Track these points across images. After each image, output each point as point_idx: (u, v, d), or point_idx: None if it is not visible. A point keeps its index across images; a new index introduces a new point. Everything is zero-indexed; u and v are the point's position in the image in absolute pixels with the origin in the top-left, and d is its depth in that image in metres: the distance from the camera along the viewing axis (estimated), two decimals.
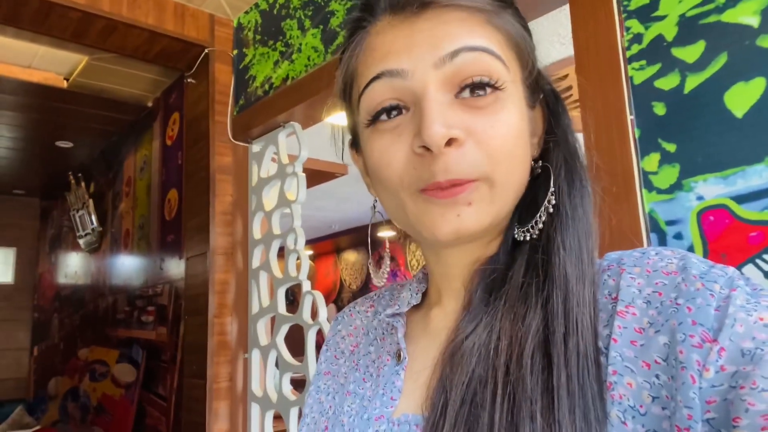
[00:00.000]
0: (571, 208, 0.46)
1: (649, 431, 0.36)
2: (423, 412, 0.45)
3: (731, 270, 0.39)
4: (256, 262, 1.72)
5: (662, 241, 0.83)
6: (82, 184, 3.32)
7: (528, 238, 0.47)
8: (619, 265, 0.43)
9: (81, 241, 3.24)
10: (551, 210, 0.47)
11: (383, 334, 0.59)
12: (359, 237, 6.93)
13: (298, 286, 1.56)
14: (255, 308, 1.69)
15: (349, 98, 0.51)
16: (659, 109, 0.85)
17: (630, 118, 0.88)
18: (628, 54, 0.90)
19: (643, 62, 0.88)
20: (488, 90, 0.43)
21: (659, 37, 0.87)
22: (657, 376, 0.36)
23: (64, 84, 2.41)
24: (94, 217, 3.11)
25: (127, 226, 2.72)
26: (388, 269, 0.61)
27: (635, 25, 0.89)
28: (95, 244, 3.13)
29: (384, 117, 0.45)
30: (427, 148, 0.42)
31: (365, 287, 7.09)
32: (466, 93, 0.43)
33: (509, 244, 0.49)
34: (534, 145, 0.50)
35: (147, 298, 2.35)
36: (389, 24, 0.46)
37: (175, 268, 2.07)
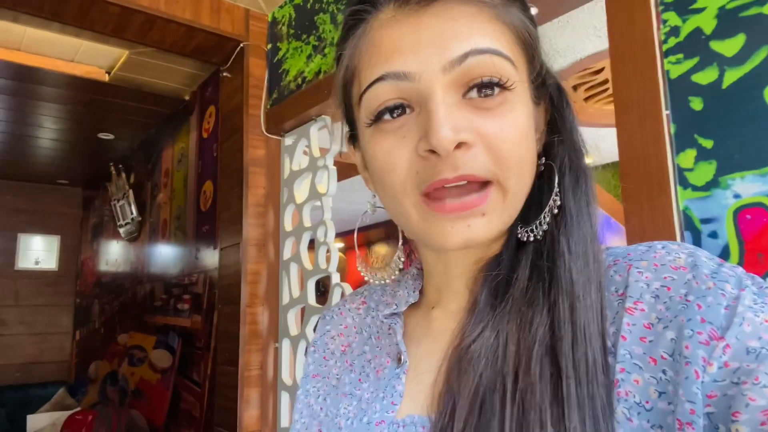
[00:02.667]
0: (576, 210, 0.45)
1: (655, 426, 0.35)
2: (429, 414, 0.45)
3: (739, 269, 0.39)
4: (287, 253, 1.75)
5: (696, 240, 0.81)
6: (123, 175, 3.43)
7: (532, 238, 0.46)
8: (626, 260, 0.43)
9: (121, 230, 3.34)
10: (555, 210, 0.45)
11: (378, 333, 0.57)
12: (390, 230, 6.93)
13: (328, 277, 1.58)
14: (285, 299, 1.72)
15: (348, 94, 0.49)
16: (696, 104, 0.83)
17: (666, 113, 0.86)
18: (665, 47, 0.88)
19: (680, 56, 0.86)
20: (497, 90, 0.42)
21: (697, 30, 0.84)
22: (664, 372, 0.36)
23: (106, 77, 2.49)
24: (133, 207, 3.20)
25: (164, 216, 2.79)
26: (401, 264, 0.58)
27: (672, 18, 0.87)
28: (134, 233, 3.23)
29: (387, 116, 0.43)
30: (433, 152, 0.41)
31: None
32: (474, 93, 0.42)
33: (513, 245, 0.47)
34: (536, 140, 0.48)
35: (183, 287, 2.42)
36: (393, 18, 0.43)
37: (210, 258, 2.13)
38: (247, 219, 1.80)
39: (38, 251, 4.58)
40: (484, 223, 0.42)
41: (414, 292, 0.55)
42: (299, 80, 1.75)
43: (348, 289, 1.49)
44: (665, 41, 0.88)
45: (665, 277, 0.39)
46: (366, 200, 0.58)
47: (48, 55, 2.34)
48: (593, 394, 0.37)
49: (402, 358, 0.51)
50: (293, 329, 1.69)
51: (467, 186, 0.42)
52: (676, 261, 0.40)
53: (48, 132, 3.30)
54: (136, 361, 2.77)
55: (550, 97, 0.50)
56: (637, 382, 0.37)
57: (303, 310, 1.67)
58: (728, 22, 0.81)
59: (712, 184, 0.80)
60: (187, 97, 2.62)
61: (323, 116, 1.67)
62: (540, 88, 0.48)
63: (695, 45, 0.84)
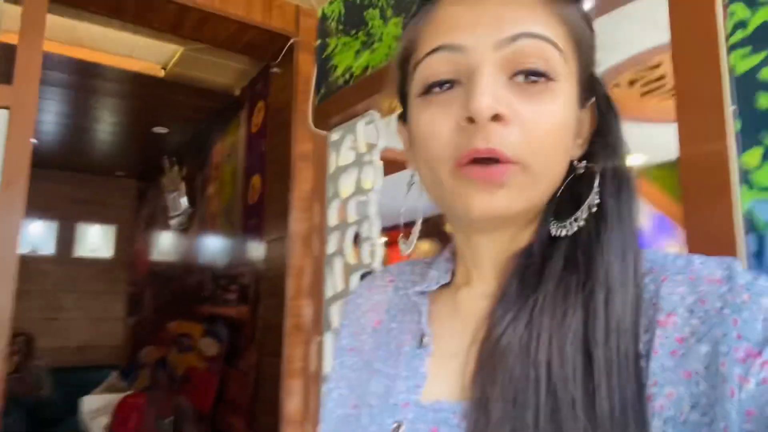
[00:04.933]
0: (617, 212, 0.46)
1: None
2: (460, 401, 0.45)
3: None
4: (331, 247, 1.76)
5: (761, 244, 0.77)
6: (176, 167, 3.54)
7: (564, 233, 0.47)
8: (663, 271, 0.43)
9: (172, 221, 3.45)
10: (594, 209, 0.46)
11: (404, 310, 0.58)
12: (432, 227, 6.90)
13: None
14: (329, 293, 1.74)
15: (405, 66, 0.51)
16: (764, 101, 0.79)
17: (731, 108, 0.82)
18: (731, 41, 0.83)
19: (748, 50, 0.81)
20: (542, 78, 0.44)
21: (766, 24, 0.80)
22: (697, 384, 0.36)
23: (162, 73, 2.57)
24: (185, 199, 3.30)
25: (214, 208, 2.87)
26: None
27: (740, 10, 0.83)
28: (185, 225, 3.32)
29: (437, 89, 0.46)
30: (472, 120, 0.42)
31: None
32: (520, 78, 0.44)
33: (544, 238, 0.48)
34: (578, 146, 0.50)
35: (230, 278, 2.48)
36: (457, 1, 0.46)
37: (256, 250, 2.17)
38: (293, 213, 1.83)
39: (95, 240, 4.79)
40: (504, 195, 0.44)
41: (446, 273, 0.56)
42: (347, 76, 1.76)
43: None
44: (732, 34, 0.83)
45: (701, 290, 0.40)
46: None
47: (107, 51, 2.43)
48: (624, 385, 0.38)
49: (425, 339, 0.52)
50: (336, 323, 1.70)
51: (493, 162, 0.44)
52: (713, 274, 0.40)
53: (106, 125, 3.44)
54: (185, 349, 2.85)
55: (598, 106, 0.51)
56: (670, 396, 0.37)
57: None
58: None
59: None
60: (237, 93, 2.67)
61: (370, 111, 1.67)
62: (587, 92, 0.49)
63: (765, 39, 0.80)
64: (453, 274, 0.57)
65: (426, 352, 0.51)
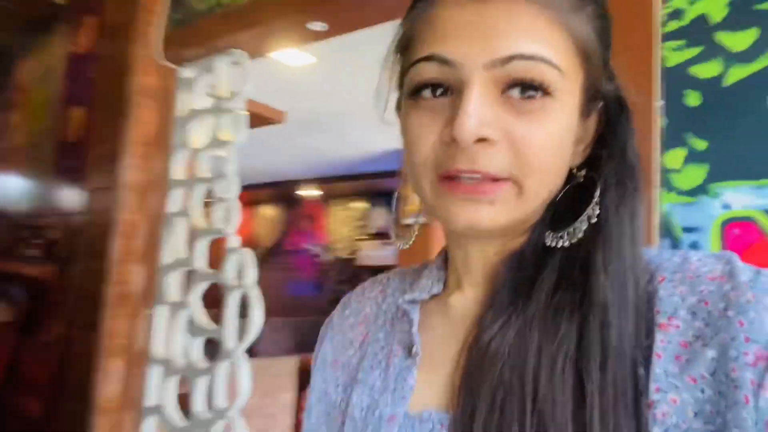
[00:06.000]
0: (618, 226, 0.44)
1: None
2: (448, 410, 0.45)
3: None
4: (174, 206, 1.49)
5: (674, 249, 0.73)
6: None
7: (560, 245, 0.45)
8: (659, 270, 0.42)
9: None
10: (594, 220, 0.45)
11: (392, 319, 0.57)
12: (279, 192, 6.65)
13: (223, 239, 1.36)
14: (167, 259, 1.47)
15: (401, 59, 0.50)
16: (693, 99, 0.75)
17: (657, 104, 0.77)
18: (665, 30, 0.78)
19: (682, 42, 0.76)
20: (538, 94, 0.42)
21: (704, 17, 0.75)
22: (702, 391, 0.36)
23: None
24: None
25: (17, 140, 2.33)
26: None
27: None
28: None
29: (427, 93, 0.45)
30: (455, 140, 0.41)
31: (279, 246, 6.87)
32: (515, 92, 0.42)
33: (539, 246, 0.47)
34: (578, 152, 0.48)
35: (33, 229, 2.04)
36: (460, 2, 0.43)
37: (72, 199, 1.78)
38: (127, 159, 1.51)
39: None
40: (491, 212, 0.43)
41: (438, 282, 0.55)
42: (213, 1, 1.47)
43: (249, 256, 1.29)
44: (666, 23, 0.78)
45: (702, 290, 0.39)
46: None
47: None
48: (618, 418, 0.37)
49: (414, 349, 0.51)
50: (174, 295, 1.45)
51: (481, 180, 0.42)
52: (713, 271, 0.40)
53: None
54: None
55: (607, 108, 0.49)
56: (674, 402, 0.36)
57: (189, 274, 1.43)
58: (741, 12, 0.73)
59: (700, 191, 0.73)
60: (61, 0, 2.16)
61: (237, 50, 1.41)
62: (593, 101, 0.47)
63: (700, 33, 0.75)
64: (445, 283, 0.55)
65: (415, 363, 0.50)
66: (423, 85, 0.44)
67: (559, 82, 0.43)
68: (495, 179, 0.42)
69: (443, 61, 0.43)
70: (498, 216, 0.43)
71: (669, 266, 0.42)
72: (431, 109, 0.44)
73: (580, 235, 0.45)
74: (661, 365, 0.38)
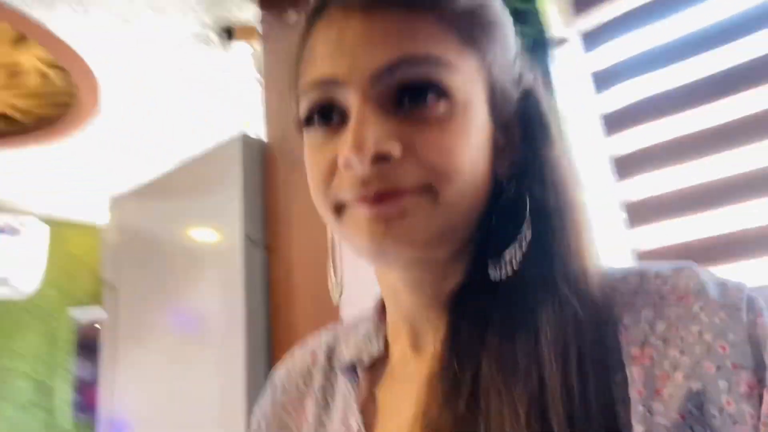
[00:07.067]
0: (555, 249, 0.40)
1: None
2: None
3: (744, 286, 0.36)
4: None
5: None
6: None
7: (502, 276, 0.40)
8: (614, 294, 0.38)
9: None
10: (524, 244, 0.40)
11: (332, 389, 0.51)
12: None
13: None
14: None
15: (295, 89, 0.45)
16: None
17: None
18: None
19: None
20: (432, 97, 0.38)
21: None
22: (691, 428, 0.32)
23: None
24: None
25: None
26: None
27: None
28: None
29: (318, 120, 0.41)
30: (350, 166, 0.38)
31: None
32: (410, 99, 0.39)
33: (479, 278, 0.42)
34: (504, 162, 0.43)
35: None
36: (335, 18, 0.41)
37: None
38: None
39: None
40: (405, 224, 0.38)
41: (376, 337, 0.50)
42: None
43: None
44: None
45: (668, 315, 0.36)
46: None
47: None
48: None
49: (357, 429, 0.45)
50: None
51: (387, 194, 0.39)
52: (676, 290, 0.36)
53: None
54: None
55: (523, 117, 0.44)
56: None
57: None
58: None
59: None
60: None
61: None
62: (504, 100, 0.43)
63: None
64: (385, 337, 0.50)
65: None
66: (312, 112, 0.41)
67: (456, 83, 0.39)
68: (404, 192, 0.38)
69: (328, 82, 0.40)
70: (413, 229, 0.38)
71: (625, 288, 0.38)
72: (324, 134, 0.41)
73: (516, 266, 0.40)
74: (643, 402, 0.34)
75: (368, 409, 0.46)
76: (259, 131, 1.34)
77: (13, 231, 2.31)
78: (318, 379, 0.52)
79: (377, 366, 0.49)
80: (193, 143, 2.35)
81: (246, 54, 1.68)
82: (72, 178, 2.37)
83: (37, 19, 1.41)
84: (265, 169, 1.28)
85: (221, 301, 1.25)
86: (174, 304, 1.34)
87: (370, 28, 0.39)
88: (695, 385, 0.33)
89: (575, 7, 1.20)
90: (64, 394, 2.61)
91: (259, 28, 1.35)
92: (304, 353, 0.56)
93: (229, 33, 1.51)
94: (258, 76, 1.54)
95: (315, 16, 0.43)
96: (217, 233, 1.29)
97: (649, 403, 0.33)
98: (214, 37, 1.62)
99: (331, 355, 0.53)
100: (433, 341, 0.44)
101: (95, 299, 2.77)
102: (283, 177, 1.24)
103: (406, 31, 0.39)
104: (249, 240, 1.22)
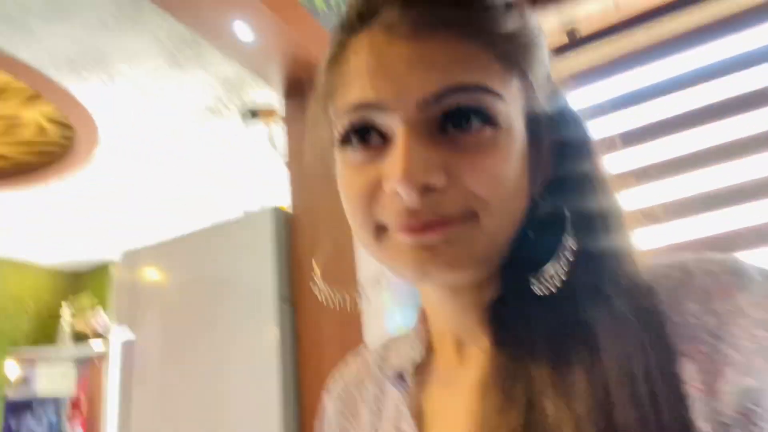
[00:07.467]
0: (597, 255, 0.41)
1: None
2: None
3: None
4: None
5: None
6: None
7: (543, 288, 0.40)
8: (656, 287, 0.38)
9: None
10: (566, 255, 0.40)
11: (383, 399, 0.52)
12: None
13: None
14: None
15: (328, 109, 0.45)
16: None
17: None
18: None
19: None
20: (477, 124, 0.38)
21: None
22: (755, 424, 0.32)
23: None
24: None
25: None
26: None
27: None
28: None
29: (356, 142, 0.41)
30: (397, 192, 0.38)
31: None
32: (456, 125, 0.38)
33: (515, 289, 0.42)
34: (537, 179, 0.44)
35: None
36: (377, 41, 0.40)
37: None
38: None
39: None
40: (451, 252, 0.39)
41: (419, 345, 0.51)
42: None
43: None
44: None
45: (716, 309, 0.35)
46: None
47: None
48: None
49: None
50: None
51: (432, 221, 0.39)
52: (721, 284, 0.36)
53: None
54: None
55: (556, 126, 0.45)
56: None
57: None
58: None
59: None
60: None
61: None
62: (538, 121, 0.43)
63: None
64: (430, 345, 0.51)
65: None
66: (350, 133, 0.40)
67: (501, 109, 0.39)
68: (449, 221, 0.38)
69: (370, 107, 0.39)
70: (459, 256, 0.39)
71: (669, 284, 0.38)
72: (364, 155, 0.40)
73: (557, 281, 0.40)
74: (704, 399, 0.33)
75: (418, 415, 0.47)
76: (277, 200, 1.56)
77: None
78: (370, 388, 0.54)
79: (424, 373, 0.49)
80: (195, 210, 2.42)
81: (263, 132, 1.85)
82: (36, 219, 2.35)
83: (57, 82, 1.50)
84: (291, 236, 1.51)
85: (254, 355, 1.44)
86: (199, 358, 1.50)
87: (418, 53, 0.38)
88: (750, 382, 0.32)
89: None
90: None
91: (282, 111, 1.56)
92: (356, 362, 0.58)
93: (251, 113, 1.70)
94: (277, 151, 1.73)
95: (351, 32, 0.42)
96: (250, 290, 1.49)
97: (709, 400, 0.33)
98: (235, 114, 1.80)
99: (381, 364, 0.54)
100: (476, 350, 0.45)
101: (33, 341, 2.69)
102: (308, 242, 1.47)
103: (454, 58, 0.38)
104: (281, 298, 1.43)
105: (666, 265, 0.40)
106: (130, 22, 1.34)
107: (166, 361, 1.54)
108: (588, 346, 0.37)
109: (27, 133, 1.83)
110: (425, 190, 0.37)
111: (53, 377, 2.62)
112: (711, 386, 0.33)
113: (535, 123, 0.43)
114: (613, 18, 1.53)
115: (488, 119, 0.38)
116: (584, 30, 1.52)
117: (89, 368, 2.70)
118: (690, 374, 0.34)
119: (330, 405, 0.57)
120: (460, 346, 0.47)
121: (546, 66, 0.44)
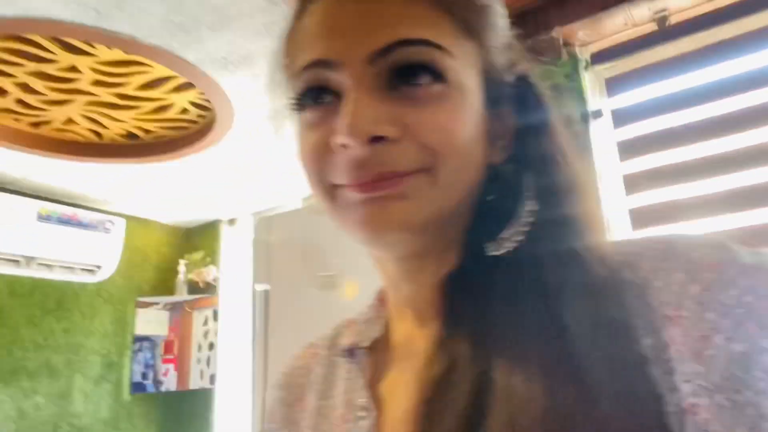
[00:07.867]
0: (559, 225, 0.40)
1: None
2: None
3: None
4: None
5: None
6: None
7: (499, 253, 0.40)
8: (640, 259, 0.38)
9: None
10: (529, 223, 0.40)
11: (334, 380, 0.50)
12: None
13: None
14: None
15: (285, 75, 0.47)
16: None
17: None
18: None
19: None
20: (427, 78, 0.39)
21: None
22: (738, 391, 0.30)
23: None
24: None
25: None
26: None
27: None
28: None
29: (310, 101, 0.42)
30: (346, 146, 0.38)
31: None
32: (405, 80, 0.39)
33: (478, 260, 0.41)
34: (497, 148, 0.44)
35: None
36: (329, 2, 0.42)
37: None
38: None
39: None
40: (403, 207, 0.38)
41: (376, 321, 0.50)
42: None
43: None
44: None
45: (704, 278, 0.34)
46: None
47: None
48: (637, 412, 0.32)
49: (359, 412, 0.45)
50: None
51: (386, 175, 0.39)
52: (708, 257, 0.35)
53: None
54: None
55: (519, 101, 0.45)
56: (712, 406, 0.31)
57: None
58: None
59: None
60: None
61: None
62: (497, 88, 0.44)
63: None
64: (387, 321, 0.51)
65: (366, 424, 0.44)
66: (303, 93, 0.41)
67: (450, 65, 0.39)
68: (403, 174, 0.38)
69: (321, 64, 0.40)
70: (413, 210, 0.38)
71: (652, 254, 0.37)
72: (317, 115, 0.41)
73: (514, 244, 0.40)
74: (687, 364, 0.32)
75: (374, 388, 0.46)
76: None
77: (106, 230, 2.64)
78: (317, 370, 0.53)
79: (380, 349, 0.49)
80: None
81: None
82: (165, 185, 2.68)
83: (209, 74, 1.77)
84: None
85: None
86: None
87: (365, 11, 0.39)
88: (738, 347, 0.31)
89: (608, 90, 1.70)
90: (128, 371, 2.94)
91: None
92: (304, 351, 0.58)
93: None
94: None
95: (308, 0, 0.43)
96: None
97: (692, 366, 0.32)
98: None
99: (331, 345, 0.54)
100: (436, 323, 0.43)
101: (156, 290, 3.09)
102: None
103: (401, 15, 0.39)
104: None
105: (649, 237, 0.40)
106: (278, 30, 1.57)
107: (298, 308, 1.77)
108: (549, 314, 0.36)
109: (171, 114, 2.14)
110: (374, 141, 0.38)
111: (149, 320, 2.98)
112: (695, 351, 0.32)
113: (494, 86, 0.43)
114: (706, 8, 1.57)
115: (437, 75, 0.39)
116: (674, 19, 1.58)
117: (181, 313, 3.02)
118: (672, 338, 0.33)
119: (272, 396, 0.57)
120: (421, 321, 0.46)
121: (504, 34, 0.45)
